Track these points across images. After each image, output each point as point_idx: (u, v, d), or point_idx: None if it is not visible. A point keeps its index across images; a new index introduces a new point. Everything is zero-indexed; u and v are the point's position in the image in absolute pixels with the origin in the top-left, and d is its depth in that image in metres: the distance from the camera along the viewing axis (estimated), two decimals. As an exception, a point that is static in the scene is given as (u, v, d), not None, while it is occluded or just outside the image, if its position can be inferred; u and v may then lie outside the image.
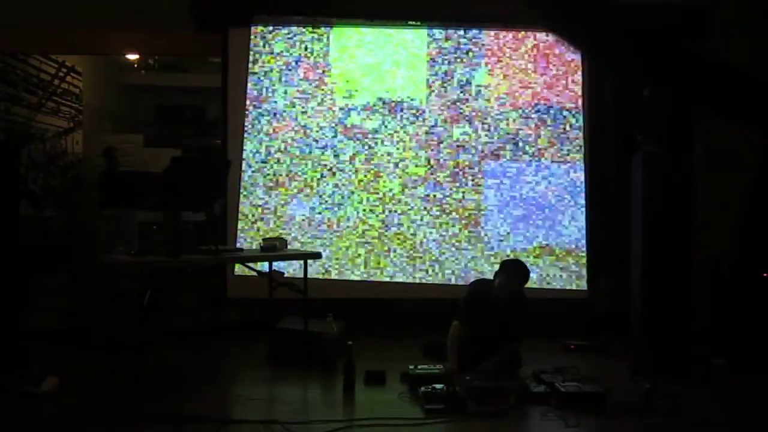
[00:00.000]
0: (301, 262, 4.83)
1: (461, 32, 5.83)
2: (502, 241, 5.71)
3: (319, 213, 5.69)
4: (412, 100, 5.79)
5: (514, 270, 4.28)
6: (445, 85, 5.81)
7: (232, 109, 5.74)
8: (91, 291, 5.33)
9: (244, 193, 5.67)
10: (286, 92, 5.75)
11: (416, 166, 5.75)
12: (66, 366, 4.31)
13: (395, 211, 5.70)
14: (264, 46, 5.78)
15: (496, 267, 4.57)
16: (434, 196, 5.73)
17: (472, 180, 5.76)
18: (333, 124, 5.75)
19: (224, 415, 3.54)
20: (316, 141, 5.73)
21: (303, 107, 5.75)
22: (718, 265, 4.98)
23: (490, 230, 5.72)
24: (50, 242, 5.98)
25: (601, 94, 5.91)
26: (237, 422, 3.41)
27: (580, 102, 5.86)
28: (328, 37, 5.81)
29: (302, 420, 3.44)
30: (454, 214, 5.72)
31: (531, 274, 4.43)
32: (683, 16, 5.53)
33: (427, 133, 5.77)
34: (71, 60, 6.91)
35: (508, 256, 5.51)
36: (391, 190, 5.72)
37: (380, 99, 5.78)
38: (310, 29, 5.79)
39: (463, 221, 5.72)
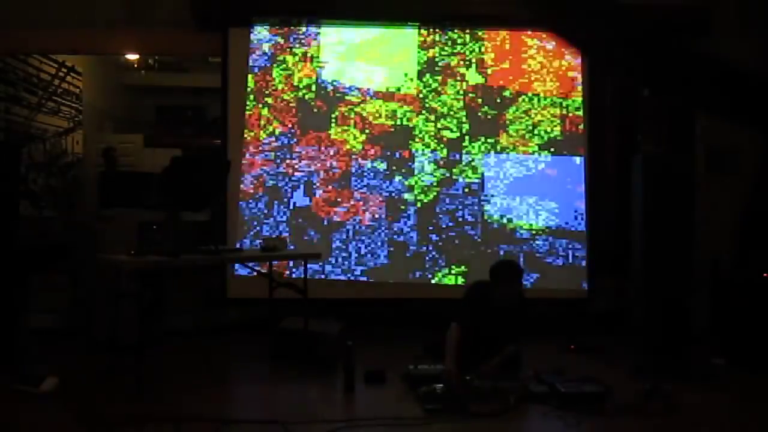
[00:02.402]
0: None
1: (459, 32, 5.83)
2: (501, 241, 5.71)
3: (319, 212, 5.69)
4: (412, 97, 5.79)
5: (510, 275, 4.25)
6: (444, 84, 5.81)
7: (232, 109, 5.74)
8: (91, 291, 5.33)
9: (244, 192, 5.67)
10: (285, 91, 5.75)
11: (410, 163, 5.75)
12: (66, 366, 4.31)
13: (394, 211, 5.70)
14: (263, 46, 5.78)
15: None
16: (432, 196, 5.73)
17: (471, 180, 5.76)
18: (332, 124, 5.75)
19: (224, 415, 3.53)
20: (315, 140, 5.73)
21: (302, 106, 5.75)
22: (718, 265, 4.99)
23: (489, 231, 5.72)
24: (50, 242, 5.99)
25: (601, 94, 5.91)
26: (237, 422, 3.41)
27: (580, 102, 5.86)
28: (327, 37, 5.81)
29: (302, 420, 3.43)
30: (453, 214, 5.72)
31: (531, 274, 4.41)
32: (683, 16, 5.54)
33: (425, 132, 5.77)
34: (71, 60, 6.92)
35: (507, 256, 5.52)
36: (389, 189, 5.72)
37: (379, 97, 5.78)
38: (310, 29, 5.79)
39: (463, 222, 5.72)
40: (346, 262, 5.64)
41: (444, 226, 5.70)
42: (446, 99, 5.80)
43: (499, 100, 5.81)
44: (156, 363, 4.37)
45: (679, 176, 4.54)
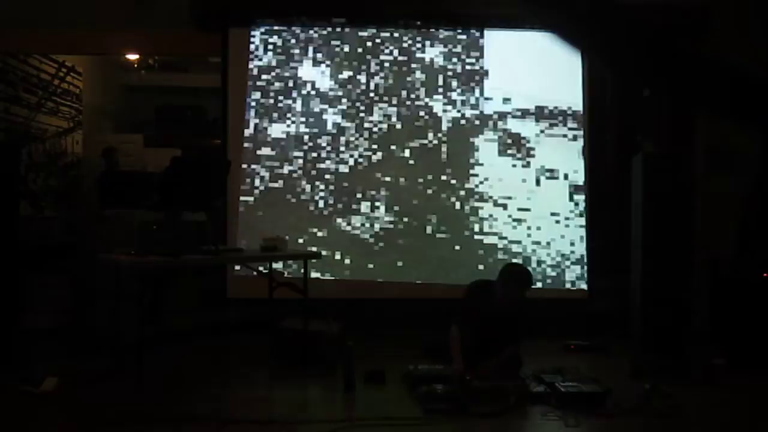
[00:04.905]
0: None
1: (459, 32, 5.83)
2: (501, 241, 5.71)
3: (319, 212, 5.68)
4: (411, 99, 5.79)
5: (515, 279, 4.22)
6: (444, 84, 5.80)
7: (232, 109, 5.74)
8: (91, 291, 5.33)
9: (243, 192, 5.67)
10: (284, 92, 5.75)
11: (411, 162, 5.75)
12: (66, 366, 4.30)
13: (394, 211, 5.70)
14: (263, 46, 5.78)
15: (494, 267, 4.55)
16: (432, 196, 5.72)
17: (472, 180, 5.75)
18: (332, 124, 5.75)
19: (224, 415, 3.53)
20: (315, 140, 5.73)
21: (302, 107, 5.75)
22: (717, 265, 4.98)
23: (489, 230, 5.72)
24: (50, 242, 5.99)
25: (601, 94, 5.91)
26: (237, 422, 3.41)
27: (580, 102, 5.85)
28: (326, 37, 5.81)
29: (302, 420, 3.43)
30: (452, 213, 5.72)
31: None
32: (683, 16, 5.53)
33: (426, 131, 5.77)
34: (71, 60, 6.92)
35: (506, 256, 5.52)
36: (389, 190, 5.72)
37: (379, 99, 5.78)
38: (310, 29, 5.79)
39: (462, 221, 5.71)
40: (347, 262, 5.65)
41: (445, 227, 5.70)
42: (446, 101, 5.80)
43: (500, 101, 5.81)
44: (156, 363, 4.37)
45: (679, 176, 4.54)
